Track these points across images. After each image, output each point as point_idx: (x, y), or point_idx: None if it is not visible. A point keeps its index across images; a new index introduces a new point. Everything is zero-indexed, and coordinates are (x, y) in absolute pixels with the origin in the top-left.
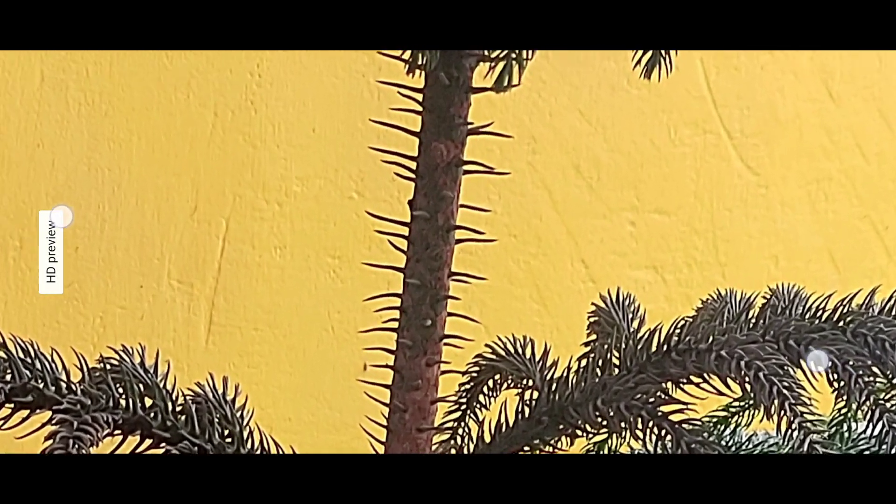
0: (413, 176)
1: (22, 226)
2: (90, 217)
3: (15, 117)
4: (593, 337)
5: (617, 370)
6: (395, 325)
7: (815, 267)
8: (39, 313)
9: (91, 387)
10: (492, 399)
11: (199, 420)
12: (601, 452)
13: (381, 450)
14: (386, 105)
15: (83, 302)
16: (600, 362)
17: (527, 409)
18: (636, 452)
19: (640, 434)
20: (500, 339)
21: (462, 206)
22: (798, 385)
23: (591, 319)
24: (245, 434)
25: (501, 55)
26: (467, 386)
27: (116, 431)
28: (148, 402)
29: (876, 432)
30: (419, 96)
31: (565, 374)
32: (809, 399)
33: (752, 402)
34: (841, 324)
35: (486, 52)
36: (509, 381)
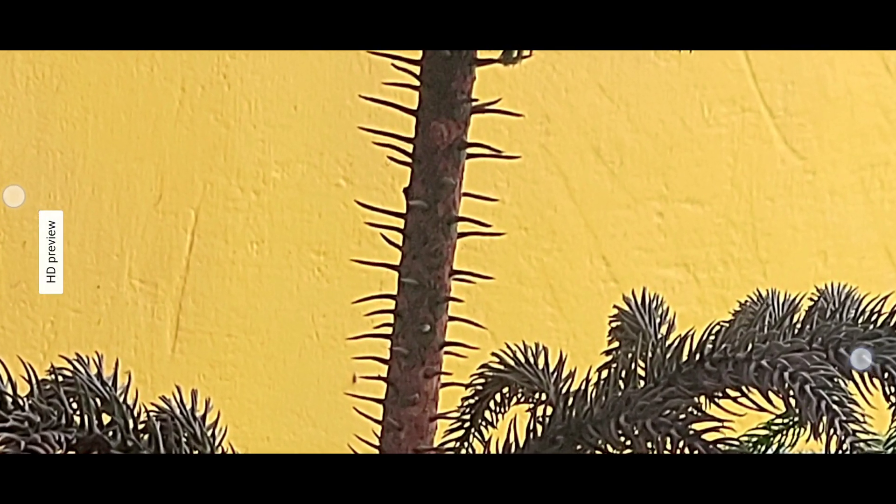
0: (409, 160)
1: None
2: (40, 207)
3: None
4: (615, 344)
5: (643, 382)
6: (388, 330)
7: (870, 264)
8: None
9: (41, 402)
10: (499, 415)
11: (164, 440)
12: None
13: None
14: (378, 79)
15: (31, 305)
16: (623, 373)
17: (539, 427)
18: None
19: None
20: (508, 346)
21: (465, 194)
22: (850, 399)
23: (613, 324)
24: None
25: None
26: (471, 401)
27: (70, 452)
28: (106, 419)
29: None
30: (416, 69)
31: (583, 387)
32: (863, 415)
33: (797, 418)
34: None
35: None
36: (519, 396)
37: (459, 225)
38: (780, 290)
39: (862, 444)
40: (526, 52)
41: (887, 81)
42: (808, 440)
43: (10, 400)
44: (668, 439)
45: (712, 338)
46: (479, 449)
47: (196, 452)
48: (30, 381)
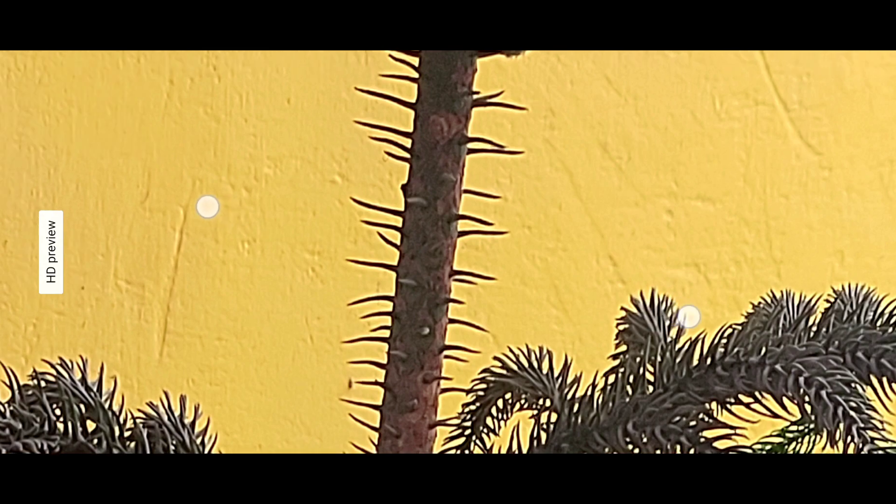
0: (407, 156)
1: None
2: (21, 205)
3: None
4: (623, 348)
5: (651, 388)
6: (386, 333)
7: (889, 264)
8: None
9: (23, 408)
10: (502, 422)
11: (151, 447)
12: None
13: None
14: (375, 72)
15: (13, 307)
16: (631, 378)
17: (543, 435)
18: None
19: None
20: (511, 350)
21: (466, 191)
22: (868, 406)
23: (621, 327)
24: None
25: None
26: (472, 407)
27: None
28: (91, 426)
29: None
30: (415, 60)
31: (589, 393)
32: (882, 422)
33: (812, 425)
34: None
35: None
36: (522, 402)
37: (460, 223)
38: (794, 292)
39: (880, 452)
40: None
41: None
42: (824, 448)
43: None
44: (678, 447)
45: (724, 341)
46: None
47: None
48: (11, 387)
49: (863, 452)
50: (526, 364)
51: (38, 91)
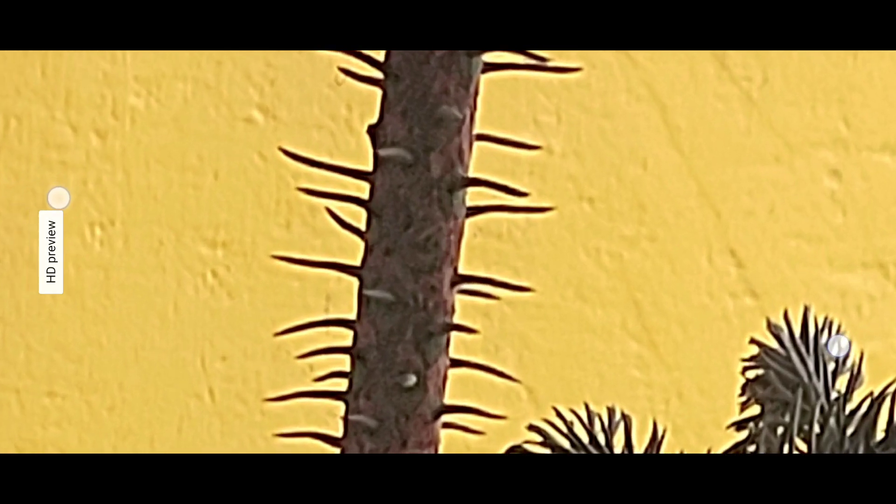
0: (380, 75)
1: None
2: None
3: None
4: (754, 410)
5: None
6: (342, 386)
7: None
8: None
9: None
10: None
11: None
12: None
13: None
14: None
15: None
16: None
17: None
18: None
19: None
20: (558, 413)
21: (482, 137)
22: None
23: (751, 374)
24: None
25: None
26: None
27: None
28: None
29: None
30: None
31: None
32: None
33: None
34: None
35: None
36: None
37: (471, 193)
38: None
39: None
40: None
41: None
42: None
43: None
44: None
45: None
46: None
47: None
48: None
49: None
50: (586, 439)
51: None
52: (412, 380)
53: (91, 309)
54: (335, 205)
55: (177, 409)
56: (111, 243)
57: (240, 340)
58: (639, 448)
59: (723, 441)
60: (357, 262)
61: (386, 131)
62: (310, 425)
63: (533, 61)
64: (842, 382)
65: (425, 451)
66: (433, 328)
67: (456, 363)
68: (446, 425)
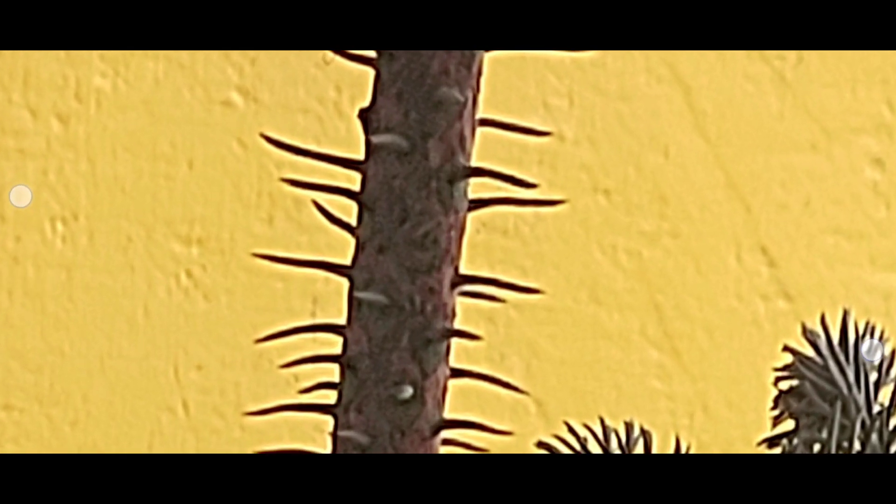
0: (372, 55)
1: None
2: None
3: None
4: (788, 425)
5: None
6: (330, 398)
7: None
8: None
9: None
10: None
11: None
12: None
13: None
14: None
15: None
16: None
17: None
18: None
19: None
20: (570, 429)
21: (486, 122)
22: None
23: (785, 385)
24: None
25: None
26: None
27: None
28: None
29: None
30: None
31: None
32: None
33: None
34: None
35: None
36: None
37: (474, 184)
38: None
39: None
40: None
41: None
42: None
43: None
44: None
45: None
46: None
47: None
48: None
49: None
50: (600, 455)
51: None
52: (408, 391)
53: (52, 313)
54: (323, 197)
55: (147, 423)
56: (74, 240)
57: (217, 348)
58: None
59: (754, 453)
60: (347, 260)
61: (379, 116)
62: (294, 442)
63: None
64: (885, 394)
65: None
66: (431, 334)
67: (457, 373)
68: (446, 442)
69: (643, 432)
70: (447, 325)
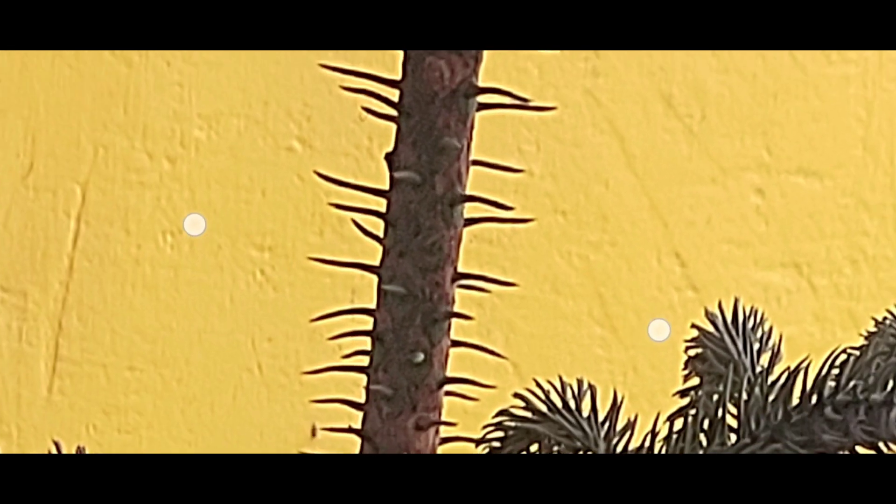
0: (394, 113)
1: None
2: None
3: None
4: (695, 381)
5: (734, 437)
6: (363, 361)
7: None
8: None
9: None
10: None
11: None
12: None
13: None
14: None
15: None
16: (706, 424)
17: None
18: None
19: None
20: (539, 384)
21: (476, 163)
22: None
23: (692, 352)
24: None
25: None
26: None
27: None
28: None
29: None
30: None
31: (648, 444)
32: None
33: None
34: None
35: None
36: None
37: (467, 207)
38: None
39: None
40: None
41: None
42: None
43: None
44: None
45: (836, 372)
46: None
47: None
48: None
49: None
50: (559, 404)
51: None
52: (420, 357)
53: (164, 300)
54: (359, 217)
55: (232, 380)
56: (179, 248)
57: (282, 325)
58: (602, 411)
59: (669, 406)
60: (377, 262)
61: (400, 158)
62: (339, 393)
63: (517, 101)
64: (765, 359)
65: (431, 415)
66: (437, 316)
67: (455, 343)
68: (448, 393)
69: (590, 386)
70: (448, 309)
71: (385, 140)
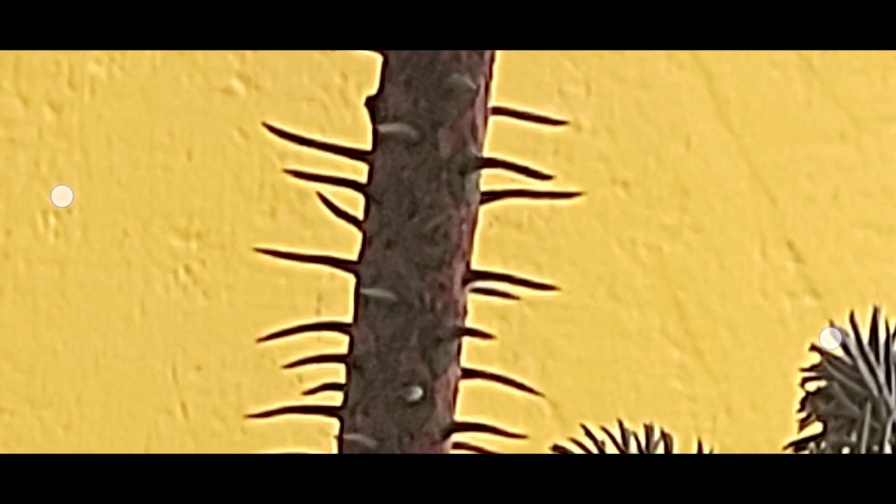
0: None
1: None
2: None
3: None
4: (815, 427)
5: None
6: (335, 400)
7: None
8: None
9: None
10: None
11: None
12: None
13: None
14: None
15: None
16: None
17: None
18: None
19: None
20: (587, 432)
21: (499, 111)
22: None
23: (812, 385)
24: None
25: None
26: None
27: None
28: None
29: None
30: None
31: None
32: None
33: None
34: None
35: None
36: None
37: (486, 175)
38: None
39: None
40: None
41: None
42: None
43: None
44: None
45: None
46: None
47: None
48: None
49: None
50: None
51: None
52: (417, 393)
53: (44, 311)
54: (328, 189)
55: (144, 427)
56: (67, 234)
57: (217, 347)
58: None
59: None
60: (353, 256)
61: (387, 104)
62: (298, 446)
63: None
64: None
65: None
66: (442, 333)
67: (468, 373)
68: (457, 445)
69: (664, 435)
70: (458, 323)
71: (365, 79)
